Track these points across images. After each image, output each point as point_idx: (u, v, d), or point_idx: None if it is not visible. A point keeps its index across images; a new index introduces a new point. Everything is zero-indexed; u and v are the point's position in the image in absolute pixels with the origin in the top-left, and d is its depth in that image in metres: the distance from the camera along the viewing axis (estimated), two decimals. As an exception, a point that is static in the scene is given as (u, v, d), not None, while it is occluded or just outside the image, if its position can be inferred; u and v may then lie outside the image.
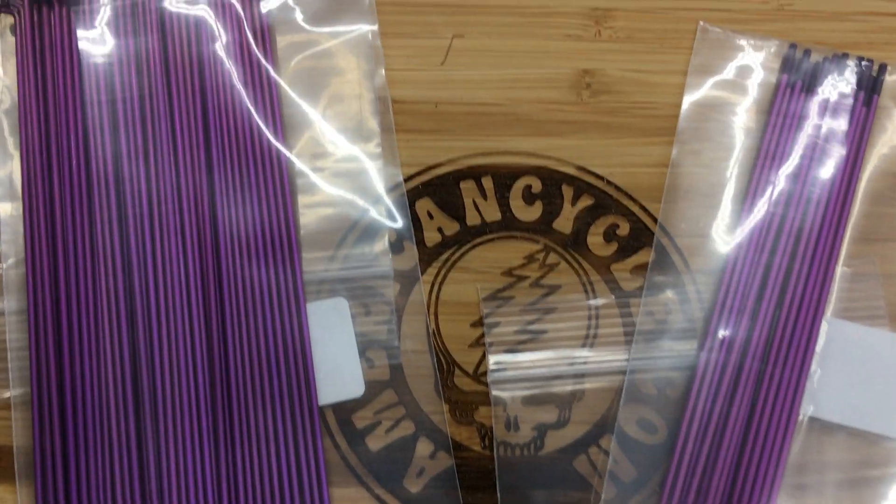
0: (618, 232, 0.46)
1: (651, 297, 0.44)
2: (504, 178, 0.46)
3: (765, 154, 0.46)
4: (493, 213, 0.46)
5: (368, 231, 0.45)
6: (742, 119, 0.47)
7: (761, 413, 0.42)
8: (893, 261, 0.45)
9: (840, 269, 0.45)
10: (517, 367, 0.44)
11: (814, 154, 0.46)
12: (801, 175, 0.45)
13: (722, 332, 0.43)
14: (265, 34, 0.46)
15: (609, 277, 0.45)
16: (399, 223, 0.45)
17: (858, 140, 0.46)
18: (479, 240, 0.46)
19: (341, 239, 0.45)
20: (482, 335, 0.44)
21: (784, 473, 0.42)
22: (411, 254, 0.45)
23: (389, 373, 0.44)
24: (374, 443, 0.43)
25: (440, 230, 0.46)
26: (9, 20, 0.46)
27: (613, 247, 0.46)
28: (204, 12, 0.46)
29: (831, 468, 0.42)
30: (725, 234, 0.45)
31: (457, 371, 0.44)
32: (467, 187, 0.46)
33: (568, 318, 0.44)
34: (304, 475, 0.41)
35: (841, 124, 0.46)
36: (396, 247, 0.45)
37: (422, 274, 0.45)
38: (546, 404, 0.43)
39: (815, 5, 0.48)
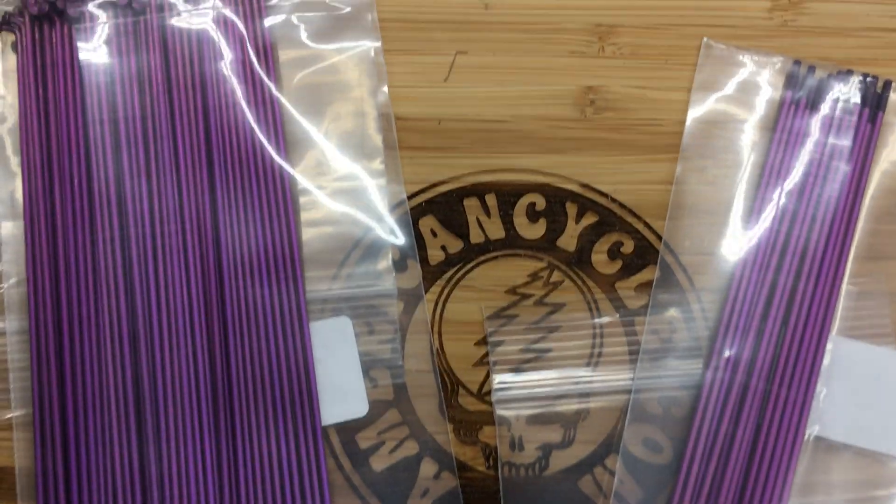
0: (622, 250, 0.45)
1: (656, 315, 0.44)
2: (508, 195, 0.46)
3: (769, 171, 0.46)
4: (496, 230, 0.46)
5: (372, 249, 0.45)
6: (746, 136, 0.47)
7: (767, 433, 0.42)
8: (899, 278, 0.45)
9: (845, 288, 0.44)
10: (521, 386, 0.43)
11: (818, 171, 0.45)
12: (806, 192, 0.45)
13: (727, 351, 0.43)
14: (268, 51, 0.46)
15: (613, 295, 0.45)
16: (402, 241, 0.45)
17: (863, 157, 0.46)
18: (482, 258, 0.45)
19: (344, 257, 0.45)
20: (486, 354, 0.44)
21: (790, 494, 0.42)
22: (415, 272, 0.45)
23: (393, 392, 0.43)
24: (378, 463, 0.43)
25: (444, 248, 0.45)
26: (10, 37, 0.46)
27: (618, 265, 0.45)
28: (206, 30, 0.46)
29: (837, 488, 0.42)
30: (730, 251, 0.45)
31: (461, 390, 0.44)
32: (471, 205, 0.46)
33: (572, 336, 0.44)
34: (307, 496, 0.41)
35: (845, 141, 0.46)
36: (400, 265, 0.45)
37: (425, 292, 0.45)
38: (551, 424, 0.43)
39: (820, 21, 0.48)
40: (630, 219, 0.46)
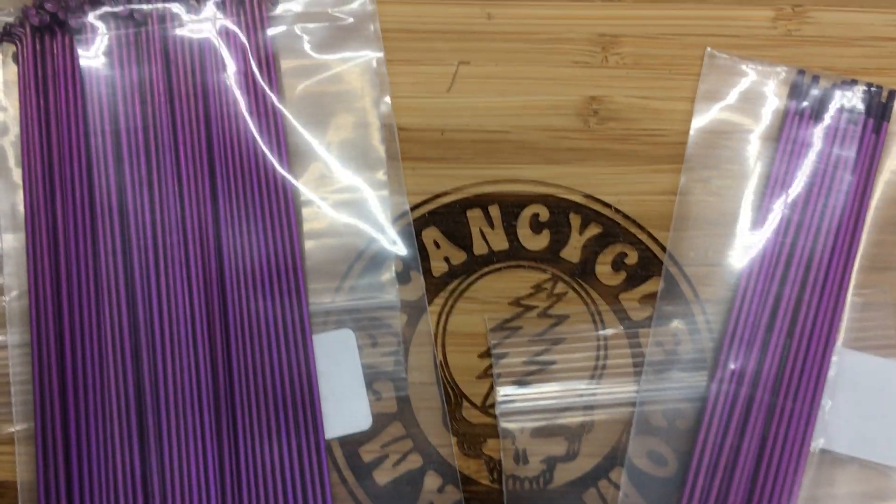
0: (626, 261, 0.45)
1: (660, 327, 0.44)
2: (511, 206, 0.46)
3: (774, 182, 0.45)
4: (500, 242, 0.45)
5: (375, 261, 0.44)
6: (750, 146, 0.46)
7: (773, 445, 0.42)
8: (904, 289, 0.45)
9: (850, 299, 0.44)
10: (525, 398, 0.43)
11: (823, 182, 0.45)
12: (811, 203, 0.45)
13: (732, 364, 0.43)
14: (270, 62, 0.46)
15: (617, 307, 0.45)
16: (405, 252, 0.45)
17: (868, 167, 0.46)
18: (486, 269, 0.45)
19: (347, 269, 0.44)
20: (490, 366, 0.44)
21: (796, 507, 0.42)
22: (418, 284, 0.45)
23: (397, 405, 0.43)
24: (382, 476, 0.42)
25: (447, 259, 0.45)
26: (11, 48, 0.46)
27: (622, 276, 0.45)
28: (208, 41, 0.45)
29: (843, 501, 0.42)
30: (735, 262, 0.45)
31: (465, 403, 0.44)
32: (474, 216, 0.46)
33: (576, 348, 0.44)
34: (311, 510, 0.41)
35: (850, 151, 0.46)
36: (403, 277, 0.45)
37: (429, 304, 0.44)
38: (555, 436, 0.43)
39: (823, 31, 0.48)
40: (634, 230, 0.46)
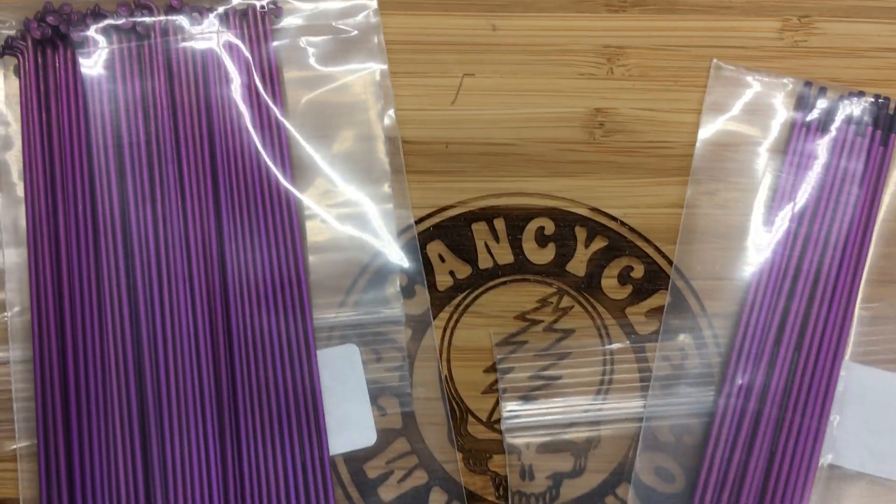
0: (632, 274, 0.45)
1: (667, 341, 0.44)
2: (516, 219, 0.46)
3: (781, 194, 0.45)
4: (505, 255, 0.45)
5: (379, 275, 0.44)
6: (757, 158, 0.46)
7: (781, 461, 0.41)
8: (912, 303, 0.44)
9: (858, 312, 0.44)
10: (531, 413, 0.43)
11: (830, 194, 0.45)
12: (818, 216, 0.45)
13: (740, 378, 0.42)
14: (274, 75, 0.45)
15: (624, 321, 0.44)
16: (410, 266, 0.44)
17: (875, 180, 0.45)
18: (491, 283, 0.45)
19: (352, 283, 0.44)
20: (495, 381, 0.44)
21: (804, 523, 0.41)
22: (423, 298, 0.44)
23: (402, 421, 0.43)
24: (387, 493, 0.42)
25: (452, 273, 0.45)
26: (13, 62, 0.45)
27: (628, 290, 0.45)
28: (212, 54, 0.45)
29: (852, 517, 0.42)
30: (742, 276, 0.44)
31: (470, 418, 0.43)
32: (479, 229, 0.45)
33: (582, 363, 0.44)
34: (316, 528, 0.41)
35: (857, 163, 0.45)
36: (408, 291, 0.44)
37: (433, 318, 0.44)
38: (561, 452, 0.43)
39: (830, 42, 0.48)
40: (640, 243, 0.45)
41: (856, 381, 0.43)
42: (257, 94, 0.45)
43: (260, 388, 0.42)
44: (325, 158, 0.45)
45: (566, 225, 0.46)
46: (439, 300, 0.44)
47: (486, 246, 0.45)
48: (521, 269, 0.45)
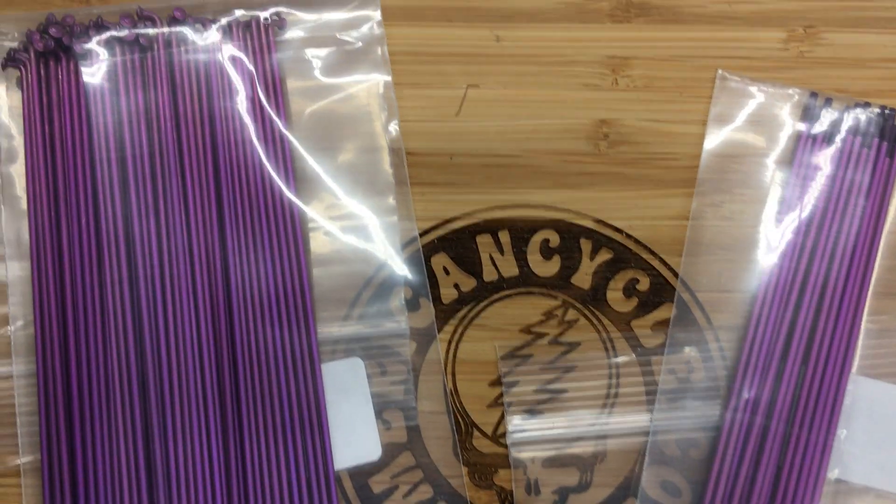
0: (638, 287, 0.45)
1: (673, 354, 0.44)
2: (521, 231, 0.45)
3: (787, 206, 0.45)
4: (510, 268, 0.45)
5: (383, 288, 0.44)
6: (763, 170, 0.46)
7: (788, 475, 0.41)
8: (919, 315, 0.44)
9: (865, 325, 0.44)
10: (537, 427, 0.43)
11: (837, 206, 0.45)
12: (825, 228, 0.44)
13: (746, 392, 0.42)
14: (277, 87, 0.45)
15: (629, 334, 0.44)
16: (415, 279, 0.44)
17: (882, 191, 0.45)
18: (496, 296, 0.45)
19: (356, 296, 0.44)
20: (501, 395, 0.43)
21: (812, 538, 0.41)
22: (427, 311, 0.44)
23: (407, 435, 0.43)
24: (392, 508, 0.42)
25: (457, 286, 0.45)
26: (15, 74, 0.45)
27: (634, 302, 0.45)
28: (215, 66, 0.45)
29: (860, 532, 0.42)
30: (748, 288, 0.44)
31: (475, 432, 0.43)
32: (484, 242, 0.45)
33: (588, 376, 0.43)
34: (320, 543, 0.40)
35: (864, 175, 0.45)
36: (412, 304, 0.44)
37: (438, 332, 0.44)
38: (567, 466, 0.42)
39: (836, 52, 0.48)
40: (646, 255, 0.45)
41: (863, 394, 0.43)
42: (261, 105, 0.45)
43: (264, 401, 0.42)
44: (328, 170, 0.45)
45: (571, 237, 0.45)
46: (444, 313, 0.44)
47: (491, 258, 0.45)
48: (525, 281, 0.45)
